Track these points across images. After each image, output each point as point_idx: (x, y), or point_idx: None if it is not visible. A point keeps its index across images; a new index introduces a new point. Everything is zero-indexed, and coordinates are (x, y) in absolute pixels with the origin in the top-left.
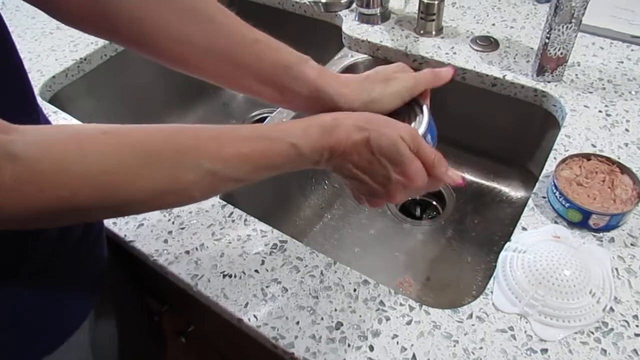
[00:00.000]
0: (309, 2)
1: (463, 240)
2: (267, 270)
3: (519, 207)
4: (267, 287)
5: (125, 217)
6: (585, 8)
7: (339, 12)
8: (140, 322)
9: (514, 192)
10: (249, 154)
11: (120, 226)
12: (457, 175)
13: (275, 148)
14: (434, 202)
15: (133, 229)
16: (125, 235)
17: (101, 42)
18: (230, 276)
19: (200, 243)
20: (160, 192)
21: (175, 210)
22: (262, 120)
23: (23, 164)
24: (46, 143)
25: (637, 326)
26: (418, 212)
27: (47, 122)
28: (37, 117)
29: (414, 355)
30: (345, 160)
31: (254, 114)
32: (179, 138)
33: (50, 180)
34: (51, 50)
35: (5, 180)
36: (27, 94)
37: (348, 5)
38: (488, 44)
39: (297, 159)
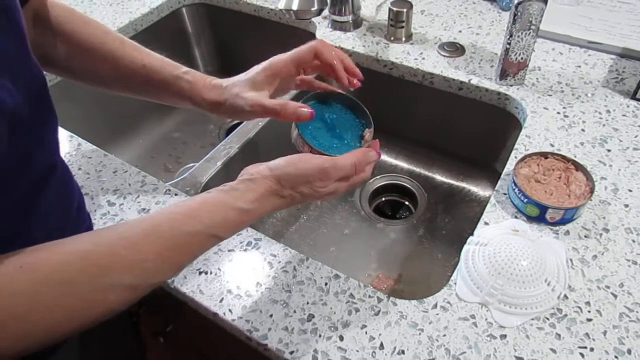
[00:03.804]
0: (280, 9)
1: (434, 239)
2: (241, 267)
3: (486, 205)
4: (241, 282)
5: (103, 218)
6: (542, 15)
7: (313, 19)
8: (123, 325)
9: (482, 191)
10: (171, 255)
11: (98, 226)
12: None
13: (196, 242)
14: (407, 202)
15: None
16: None
17: None
18: (206, 273)
19: None
20: (80, 317)
21: (153, 210)
22: (238, 125)
23: None
24: None
25: (589, 312)
26: (391, 212)
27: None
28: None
29: (381, 344)
30: (276, 209)
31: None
32: (95, 259)
33: None
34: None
35: None
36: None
37: (318, 13)
38: (455, 49)
39: (215, 242)
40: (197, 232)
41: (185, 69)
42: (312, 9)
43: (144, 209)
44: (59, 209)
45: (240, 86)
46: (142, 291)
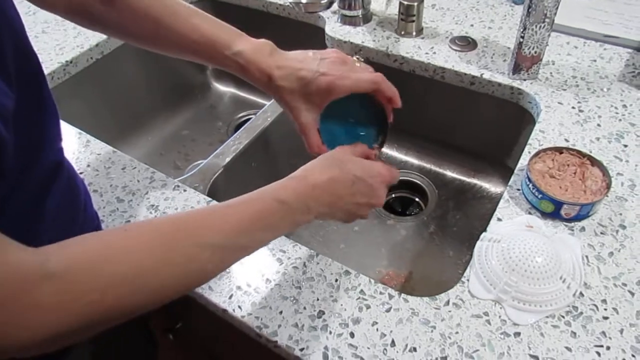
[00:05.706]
0: (289, 3)
1: (445, 235)
2: (251, 263)
3: (499, 202)
4: (251, 279)
5: (112, 215)
6: (557, 8)
7: (322, 14)
8: (135, 320)
9: (493, 187)
10: (248, 218)
11: (107, 223)
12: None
13: (265, 207)
14: (417, 199)
15: None
16: None
17: (87, 45)
18: None
19: None
20: (181, 275)
21: (162, 207)
22: (247, 121)
23: (60, 278)
24: (77, 253)
25: (605, 310)
26: (401, 208)
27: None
28: (53, 106)
29: (392, 341)
30: (334, 204)
31: (239, 115)
32: (188, 222)
33: (83, 286)
34: (37, 53)
35: (46, 300)
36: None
37: (328, 6)
38: (466, 44)
39: (286, 212)
40: (259, 198)
41: (237, 48)
42: (322, 1)
43: (152, 206)
44: (66, 210)
45: (295, 92)
46: (229, 253)
